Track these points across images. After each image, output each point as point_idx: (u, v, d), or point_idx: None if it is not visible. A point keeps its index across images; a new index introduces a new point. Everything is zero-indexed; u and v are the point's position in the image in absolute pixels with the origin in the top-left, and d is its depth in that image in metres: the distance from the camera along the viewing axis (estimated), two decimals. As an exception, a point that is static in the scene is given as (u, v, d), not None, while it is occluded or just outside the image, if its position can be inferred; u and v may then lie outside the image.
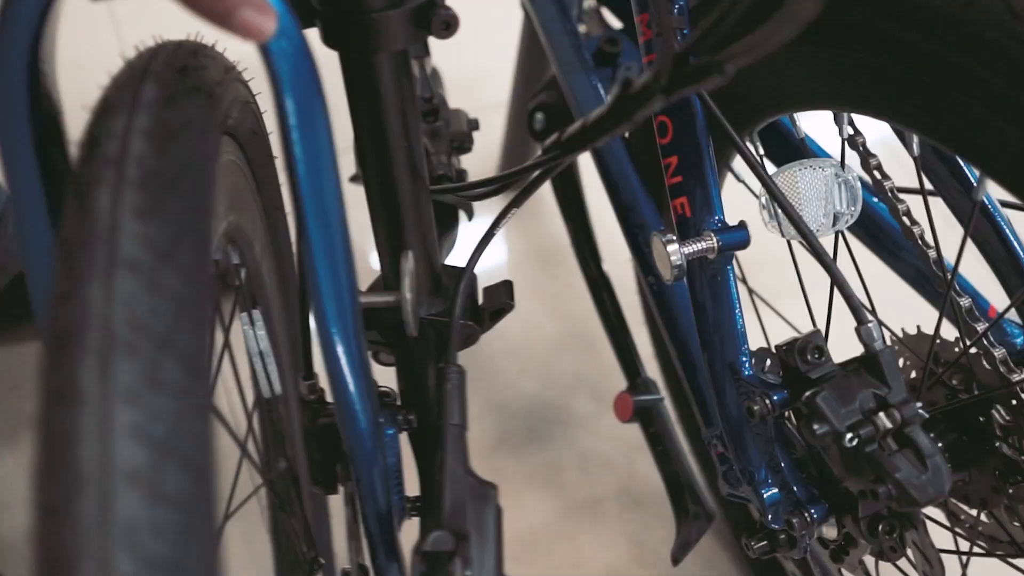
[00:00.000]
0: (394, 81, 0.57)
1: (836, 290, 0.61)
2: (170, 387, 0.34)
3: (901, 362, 0.74)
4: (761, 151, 0.73)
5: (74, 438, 0.32)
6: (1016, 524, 0.69)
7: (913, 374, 0.74)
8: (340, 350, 0.54)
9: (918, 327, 0.72)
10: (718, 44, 0.43)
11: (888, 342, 0.78)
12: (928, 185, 0.67)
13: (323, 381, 0.60)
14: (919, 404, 0.59)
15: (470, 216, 0.85)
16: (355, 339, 0.54)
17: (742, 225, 0.63)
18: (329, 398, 0.60)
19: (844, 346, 0.63)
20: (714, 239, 0.62)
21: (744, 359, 0.65)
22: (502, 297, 0.71)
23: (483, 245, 0.69)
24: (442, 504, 0.55)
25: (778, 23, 0.40)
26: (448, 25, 0.55)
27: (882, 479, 0.57)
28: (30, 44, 0.46)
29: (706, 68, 0.43)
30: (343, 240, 0.52)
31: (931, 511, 0.63)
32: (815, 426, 0.58)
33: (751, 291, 0.90)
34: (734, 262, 0.66)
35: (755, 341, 0.68)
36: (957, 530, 0.74)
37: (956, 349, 0.68)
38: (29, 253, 0.49)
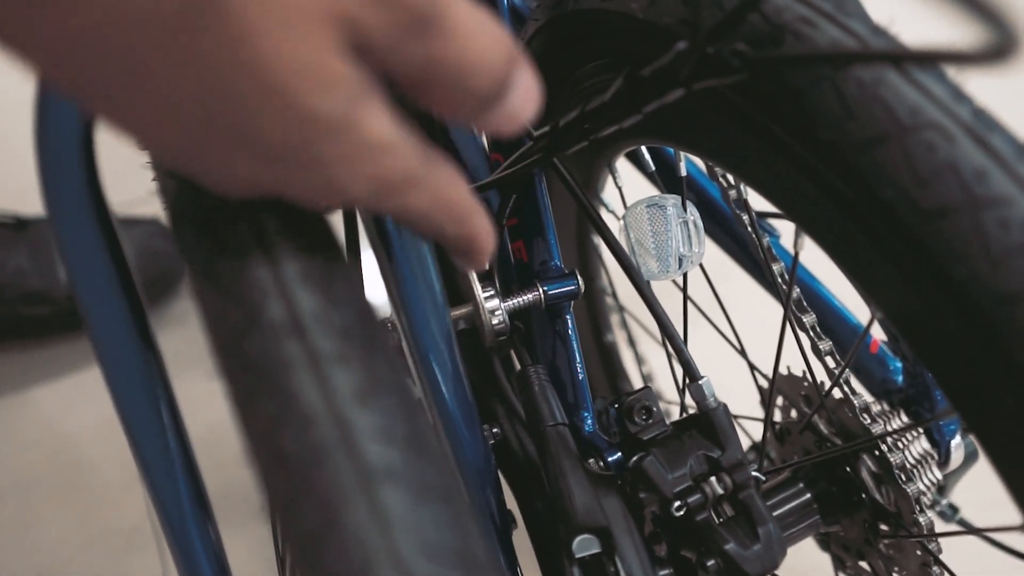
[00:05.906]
0: None
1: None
2: None
3: (780, 401, 0.70)
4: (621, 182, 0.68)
5: None
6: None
7: (793, 413, 0.69)
8: (437, 367, 0.52)
9: (788, 368, 0.67)
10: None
11: (764, 383, 0.73)
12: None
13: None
14: (755, 467, 0.54)
15: None
16: (450, 354, 0.52)
17: (572, 274, 0.59)
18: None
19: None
20: (540, 290, 0.58)
21: (586, 414, 0.61)
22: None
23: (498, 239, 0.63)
24: (574, 507, 0.52)
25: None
26: None
27: (710, 551, 0.53)
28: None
29: (733, 63, 0.36)
30: (432, 256, 0.50)
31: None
32: (641, 493, 0.54)
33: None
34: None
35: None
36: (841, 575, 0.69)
37: (821, 393, 0.63)
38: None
